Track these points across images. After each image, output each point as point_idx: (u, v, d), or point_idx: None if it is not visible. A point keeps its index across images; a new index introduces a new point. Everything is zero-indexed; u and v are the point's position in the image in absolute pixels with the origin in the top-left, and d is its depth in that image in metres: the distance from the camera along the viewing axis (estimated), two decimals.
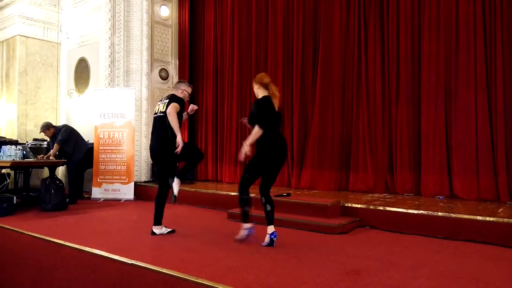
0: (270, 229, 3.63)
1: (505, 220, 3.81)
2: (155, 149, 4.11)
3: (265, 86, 3.73)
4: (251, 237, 3.69)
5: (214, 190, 6.30)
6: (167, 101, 4.04)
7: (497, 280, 2.77)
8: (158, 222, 4.13)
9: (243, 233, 3.69)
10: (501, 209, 4.39)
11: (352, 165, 6.24)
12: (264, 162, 3.68)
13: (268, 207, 3.68)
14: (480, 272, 2.95)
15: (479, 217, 3.95)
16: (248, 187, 3.70)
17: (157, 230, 4.11)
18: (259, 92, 3.78)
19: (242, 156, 3.63)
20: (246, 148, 3.58)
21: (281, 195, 5.27)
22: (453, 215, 4.09)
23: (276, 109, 3.68)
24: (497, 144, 5.09)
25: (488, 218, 3.90)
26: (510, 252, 3.53)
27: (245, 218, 3.69)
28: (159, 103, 4.20)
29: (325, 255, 3.40)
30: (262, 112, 3.59)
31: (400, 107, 5.86)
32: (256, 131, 3.56)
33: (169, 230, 4.17)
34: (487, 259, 3.31)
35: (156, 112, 4.15)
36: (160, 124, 4.05)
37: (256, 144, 3.66)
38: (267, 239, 3.64)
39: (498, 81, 5.11)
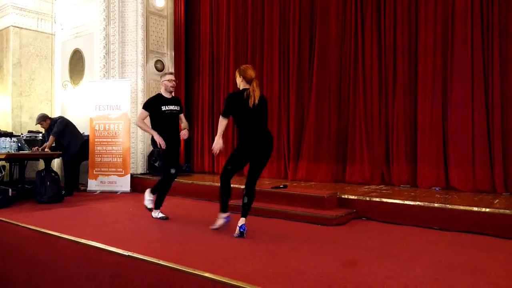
0: (241, 221, 3.64)
1: (501, 211, 3.83)
2: None
3: (248, 81, 3.67)
4: (227, 226, 3.83)
5: (211, 182, 6.28)
6: None
7: (492, 270, 2.78)
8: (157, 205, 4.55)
9: (219, 221, 3.85)
10: (497, 200, 4.41)
11: (348, 157, 6.24)
12: (240, 155, 3.71)
13: (245, 199, 3.68)
14: (476, 262, 2.97)
15: (475, 208, 3.96)
16: (228, 179, 3.76)
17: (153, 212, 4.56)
18: (241, 85, 3.73)
19: (214, 150, 3.69)
20: (217, 141, 3.66)
21: (278, 187, 5.27)
22: (449, 206, 4.11)
23: (251, 104, 3.57)
24: (493, 136, 5.10)
25: (484, 209, 3.91)
26: (506, 243, 3.55)
27: (223, 207, 3.84)
28: None
29: (322, 247, 3.40)
30: (225, 104, 3.69)
31: (397, 99, 5.85)
32: (220, 121, 3.68)
33: (162, 215, 4.51)
34: (483, 250, 3.32)
35: None
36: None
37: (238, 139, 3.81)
38: (237, 230, 3.63)
39: (495, 72, 5.09)
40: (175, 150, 4.49)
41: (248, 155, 3.69)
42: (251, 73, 3.68)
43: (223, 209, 3.84)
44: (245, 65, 3.84)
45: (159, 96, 4.53)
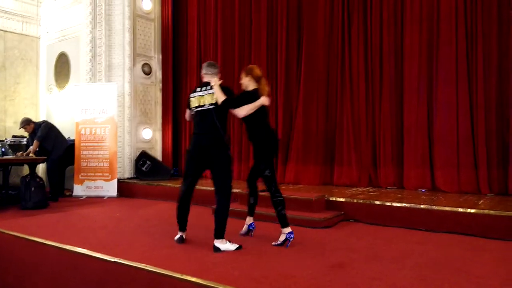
0: (248, 220, 3.91)
1: (486, 211, 3.89)
2: (207, 147, 3.48)
3: (257, 80, 3.62)
4: (290, 242, 3.43)
5: (199, 186, 6.23)
6: (210, 91, 3.49)
7: (478, 270, 2.82)
8: (220, 235, 3.38)
9: (281, 238, 3.46)
10: (481, 201, 4.48)
11: (336, 160, 6.28)
12: (271, 156, 3.60)
13: (251, 200, 3.89)
14: (462, 262, 3.01)
15: (460, 209, 4.01)
16: (276, 186, 3.56)
17: (220, 244, 3.35)
18: (249, 85, 3.63)
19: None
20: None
21: (265, 190, 5.25)
22: (435, 208, 4.15)
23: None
24: (478, 137, 5.18)
25: (469, 210, 3.96)
26: (491, 243, 3.60)
27: (284, 221, 3.48)
28: (196, 95, 3.57)
29: (310, 249, 3.40)
30: (242, 100, 3.47)
31: (384, 102, 5.91)
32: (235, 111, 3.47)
33: (236, 246, 3.37)
34: (469, 250, 3.37)
35: (199, 105, 3.53)
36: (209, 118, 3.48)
37: (252, 140, 3.63)
38: (244, 228, 3.92)
39: (479, 75, 5.19)
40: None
41: (273, 155, 3.65)
42: (258, 71, 3.66)
43: (283, 224, 3.48)
44: (250, 65, 3.85)
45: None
